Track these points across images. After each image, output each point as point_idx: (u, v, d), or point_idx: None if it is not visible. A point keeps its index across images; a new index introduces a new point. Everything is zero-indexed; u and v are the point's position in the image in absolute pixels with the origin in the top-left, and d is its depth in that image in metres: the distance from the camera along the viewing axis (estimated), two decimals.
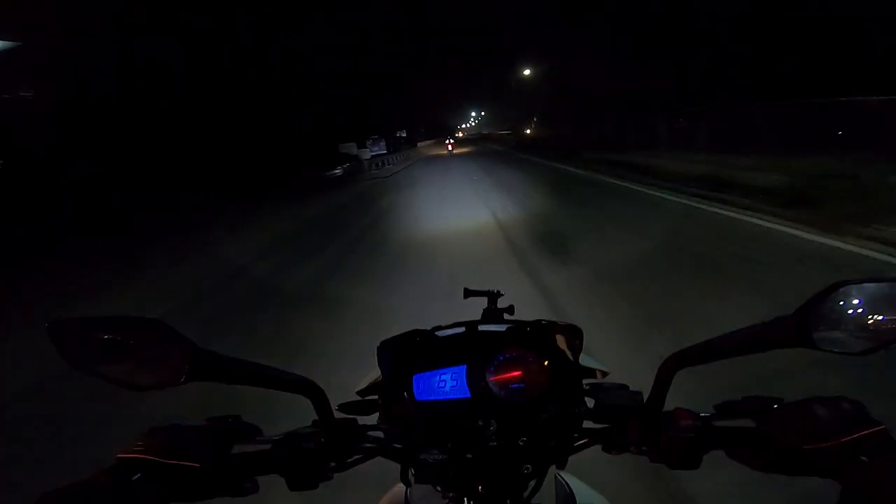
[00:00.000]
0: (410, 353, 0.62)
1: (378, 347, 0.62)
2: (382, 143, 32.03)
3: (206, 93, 15.60)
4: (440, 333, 0.63)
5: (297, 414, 0.63)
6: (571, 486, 0.71)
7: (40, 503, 0.37)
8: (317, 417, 0.54)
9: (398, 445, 0.57)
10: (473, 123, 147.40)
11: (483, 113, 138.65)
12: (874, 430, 0.42)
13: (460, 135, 53.17)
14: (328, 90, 27.50)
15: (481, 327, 0.64)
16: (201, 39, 15.57)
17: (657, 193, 7.62)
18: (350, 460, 0.55)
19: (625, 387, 0.59)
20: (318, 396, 0.53)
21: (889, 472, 0.39)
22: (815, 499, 0.60)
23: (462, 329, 0.64)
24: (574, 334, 0.61)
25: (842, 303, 0.45)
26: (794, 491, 1.46)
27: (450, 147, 30.47)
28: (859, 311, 0.45)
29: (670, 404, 0.54)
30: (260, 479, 0.51)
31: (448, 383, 0.60)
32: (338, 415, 0.57)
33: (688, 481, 1.67)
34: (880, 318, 0.44)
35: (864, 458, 0.41)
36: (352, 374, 0.70)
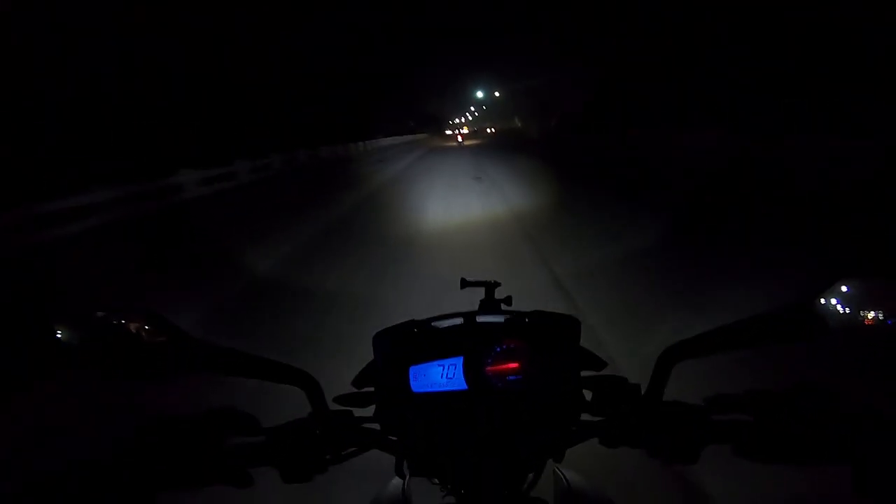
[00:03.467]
0: (407, 344, 0.61)
1: (373, 338, 0.61)
2: None
3: (206, 92, 15.59)
4: (437, 324, 0.63)
5: (295, 403, 0.62)
6: (570, 480, 0.71)
7: None
8: (312, 409, 0.54)
9: (394, 438, 0.57)
10: (475, 115, 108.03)
11: (497, 94, 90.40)
12: (865, 413, 0.43)
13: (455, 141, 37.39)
14: (328, 90, 27.37)
15: (479, 318, 0.64)
16: (201, 39, 15.55)
17: None
18: (345, 452, 0.55)
19: (623, 379, 0.59)
20: (313, 388, 0.53)
21: (890, 453, 0.40)
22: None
23: (460, 320, 0.63)
24: (572, 325, 0.61)
25: (846, 298, 0.45)
26: (790, 482, 1.49)
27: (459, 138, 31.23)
28: (863, 306, 0.45)
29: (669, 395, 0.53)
30: (254, 470, 0.50)
31: (445, 375, 0.59)
32: (333, 407, 0.56)
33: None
34: (883, 314, 0.44)
35: (862, 440, 0.41)
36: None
